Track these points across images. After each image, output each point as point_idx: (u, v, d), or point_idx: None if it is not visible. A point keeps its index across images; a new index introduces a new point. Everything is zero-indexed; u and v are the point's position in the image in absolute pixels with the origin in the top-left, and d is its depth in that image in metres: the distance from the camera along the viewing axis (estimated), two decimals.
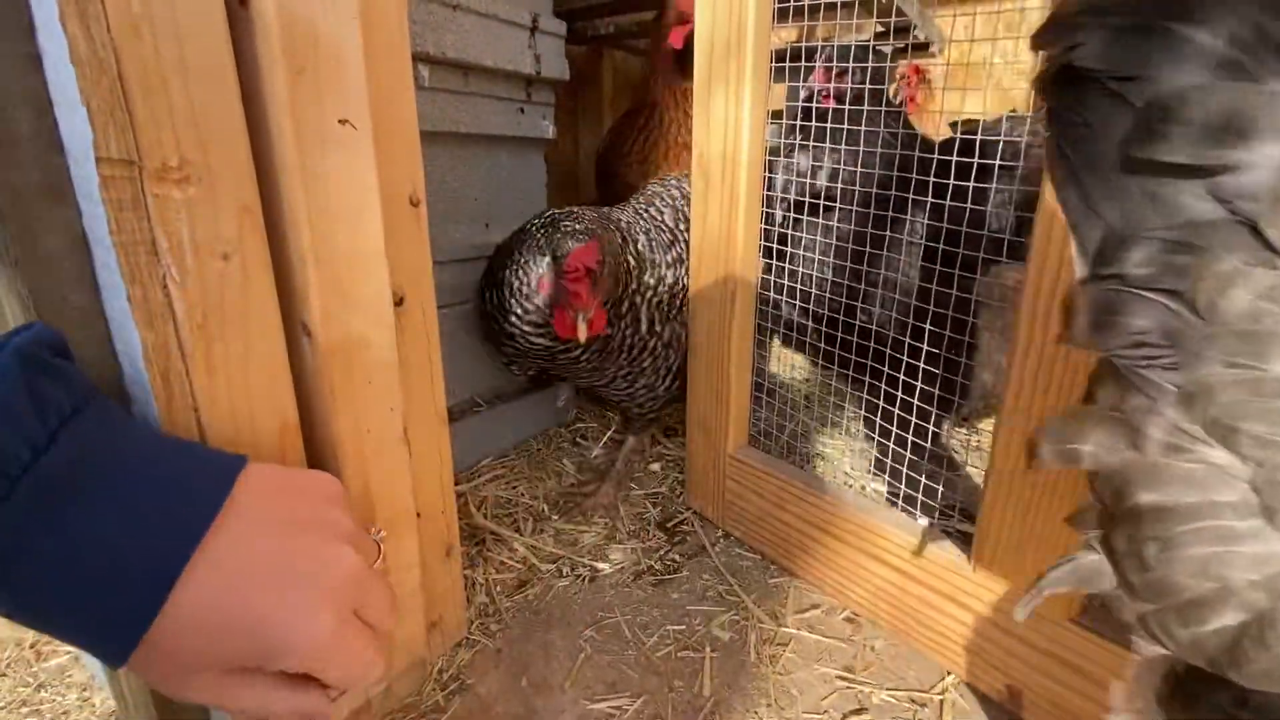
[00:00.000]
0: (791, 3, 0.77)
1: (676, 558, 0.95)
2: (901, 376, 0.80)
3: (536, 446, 1.26)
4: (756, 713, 0.70)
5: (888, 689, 0.72)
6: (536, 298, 0.89)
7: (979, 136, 0.75)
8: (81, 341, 0.39)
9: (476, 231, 1.21)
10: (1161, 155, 0.26)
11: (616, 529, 1.01)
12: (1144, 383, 0.29)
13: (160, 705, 0.49)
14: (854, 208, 0.95)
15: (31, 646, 0.77)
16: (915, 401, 0.79)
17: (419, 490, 0.64)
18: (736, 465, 0.95)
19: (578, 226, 0.88)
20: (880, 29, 1.42)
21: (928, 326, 0.75)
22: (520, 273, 0.90)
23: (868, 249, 0.94)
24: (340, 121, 0.48)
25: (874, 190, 0.92)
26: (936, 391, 0.76)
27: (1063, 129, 0.30)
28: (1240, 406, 0.27)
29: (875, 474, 1.07)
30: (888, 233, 0.93)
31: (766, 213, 0.89)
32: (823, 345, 0.94)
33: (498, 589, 0.88)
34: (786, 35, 1.05)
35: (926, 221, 0.90)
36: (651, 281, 1.01)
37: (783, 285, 0.93)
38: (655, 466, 1.19)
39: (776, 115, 1.01)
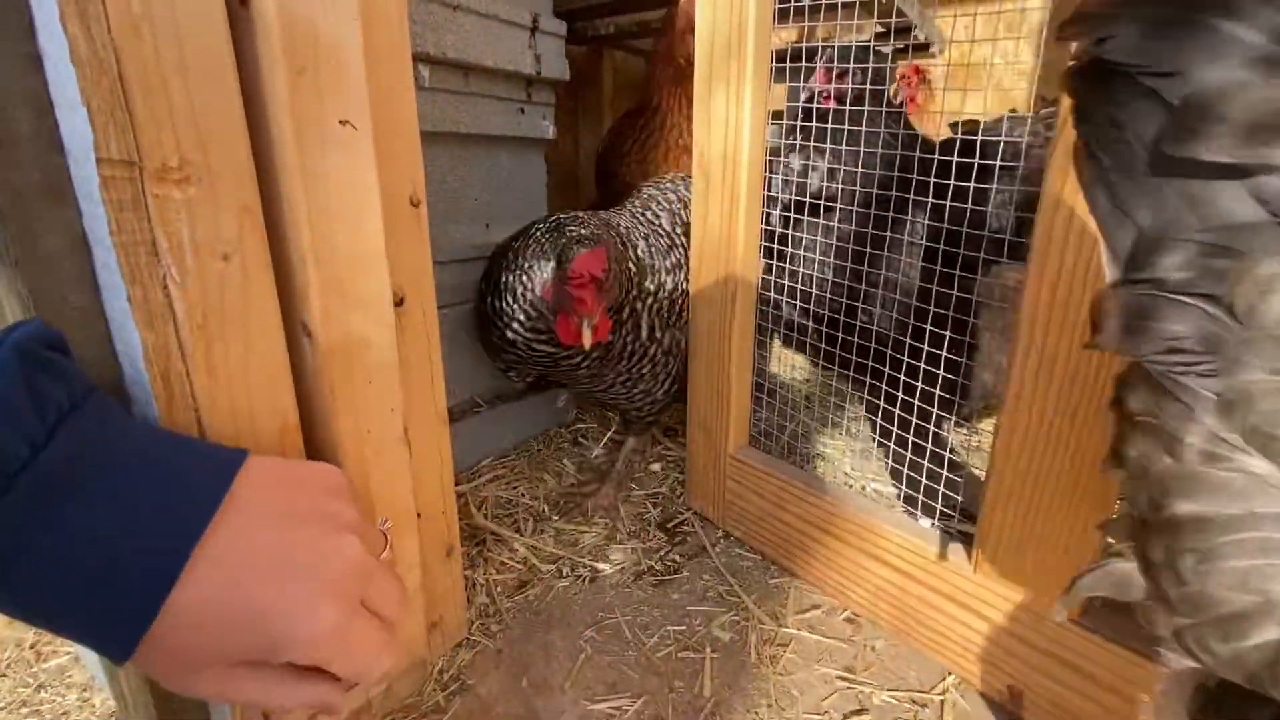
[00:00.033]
0: (792, 3, 0.77)
1: (677, 558, 0.95)
2: (902, 377, 0.80)
3: (537, 447, 1.26)
4: (757, 713, 0.70)
5: (888, 689, 0.72)
6: (540, 303, 0.87)
7: (979, 137, 0.75)
8: (81, 342, 0.39)
9: (477, 231, 1.21)
10: (1199, 154, 0.25)
11: (617, 529, 1.01)
12: (1180, 389, 0.28)
13: (160, 705, 0.49)
14: (854, 208, 0.95)
15: (31, 647, 0.77)
16: (916, 402, 0.79)
17: (419, 490, 0.64)
18: (737, 465, 0.95)
19: (583, 232, 0.86)
20: (880, 29, 1.43)
21: (928, 327, 0.76)
22: (524, 277, 0.88)
23: (868, 249, 0.94)
24: (341, 122, 0.48)
25: (874, 190, 0.92)
26: (937, 392, 0.76)
27: (1091, 127, 0.29)
28: None
29: (876, 474, 1.07)
30: (888, 233, 0.93)
31: (767, 213, 0.89)
32: (823, 345, 0.94)
33: (498, 589, 0.87)
34: (787, 35, 1.05)
35: (927, 222, 0.90)
36: (651, 288, 1.00)
37: (783, 285, 0.93)
38: (656, 467, 1.19)
39: (777, 115, 1.01)
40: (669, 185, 1.19)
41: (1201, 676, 0.36)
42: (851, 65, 0.95)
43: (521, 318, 0.89)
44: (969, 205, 0.70)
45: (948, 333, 0.74)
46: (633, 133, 1.46)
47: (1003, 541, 0.66)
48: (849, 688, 0.73)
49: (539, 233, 0.90)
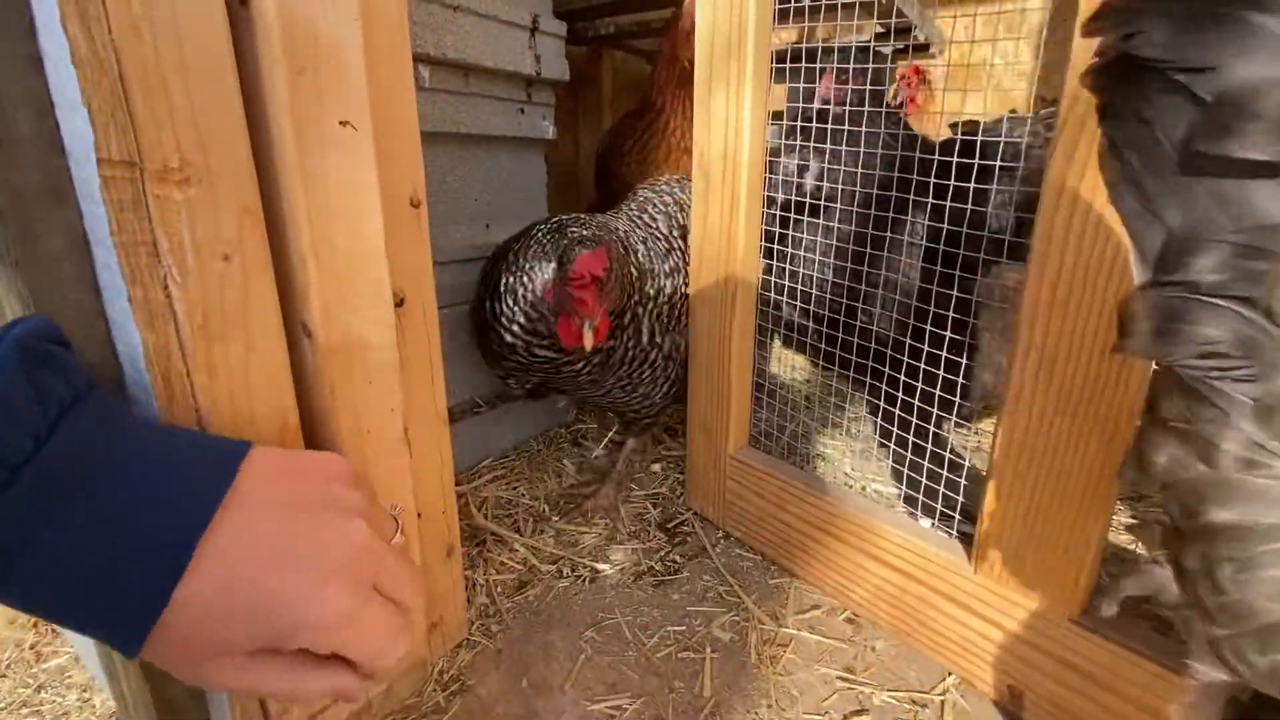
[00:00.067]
0: (792, 3, 0.77)
1: (677, 558, 0.95)
2: (902, 377, 0.80)
3: (537, 447, 1.26)
4: (757, 713, 0.70)
5: (888, 690, 0.72)
6: (541, 305, 0.86)
7: (979, 137, 0.75)
8: (82, 342, 0.39)
9: (477, 232, 1.21)
10: (1233, 152, 0.24)
11: (617, 530, 1.01)
12: (1215, 394, 0.27)
13: (160, 705, 0.49)
14: (854, 208, 0.95)
15: (31, 648, 0.77)
16: (916, 402, 0.79)
17: (419, 491, 0.64)
18: (737, 466, 0.95)
19: (585, 233, 0.85)
20: (880, 30, 1.43)
21: (928, 327, 0.76)
22: (524, 278, 0.87)
23: (868, 250, 0.94)
24: (341, 122, 0.48)
25: (874, 191, 0.92)
26: (937, 392, 0.76)
27: (1117, 125, 0.28)
28: None
29: (876, 475, 1.07)
30: (888, 233, 0.93)
31: (767, 213, 0.89)
32: (823, 346, 0.94)
33: (498, 590, 0.87)
34: (787, 36, 1.05)
35: (927, 222, 0.90)
36: (652, 292, 0.99)
37: (783, 286, 0.93)
38: (656, 467, 1.19)
39: (777, 116, 1.01)
40: (664, 188, 1.18)
41: (1235, 689, 0.35)
42: (854, 66, 0.95)
43: (522, 320, 0.87)
44: (969, 206, 0.70)
45: (948, 333, 0.74)
46: (634, 133, 1.46)
47: (1002, 541, 0.66)
48: (849, 688, 0.73)
49: (540, 234, 0.89)
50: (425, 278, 0.63)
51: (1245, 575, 0.28)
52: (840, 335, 0.88)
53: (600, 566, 0.93)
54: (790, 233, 0.96)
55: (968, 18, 0.80)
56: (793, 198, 0.97)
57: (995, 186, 0.72)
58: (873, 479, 1.06)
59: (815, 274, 0.94)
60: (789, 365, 1.26)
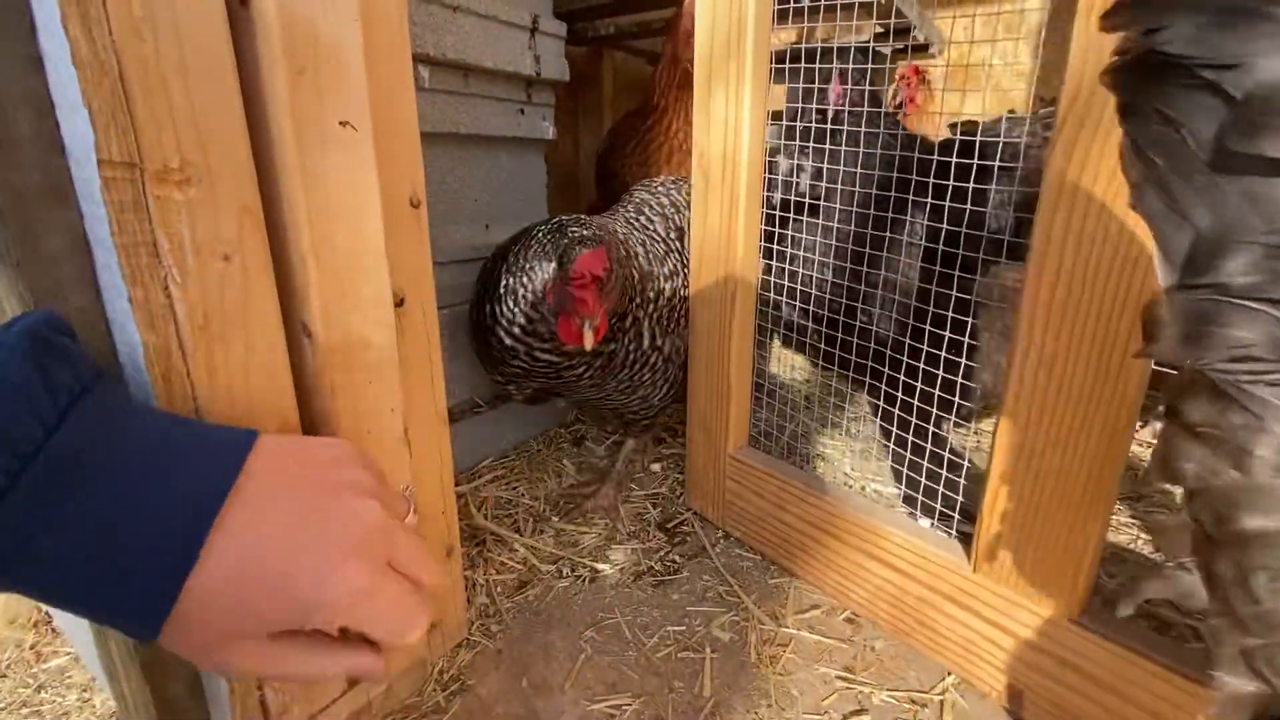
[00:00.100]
0: (791, 3, 0.77)
1: (677, 558, 0.95)
2: (901, 377, 0.80)
3: (537, 447, 1.26)
4: (757, 713, 0.70)
5: (888, 690, 0.72)
6: (541, 305, 0.85)
7: (978, 137, 0.75)
8: (83, 343, 0.39)
9: (476, 232, 1.21)
10: (1265, 151, 0.23)
11: (617, 530, 1.01)
12: (1248, 399, 0.27)
13: (160, 705, 0.49)
14: (854, 208, 0.95)
15: (32, 648, 0.77)
16: (915, 402, 0.79)
17: (419, 491, 0.64)
18: (737, 466, 0.95)
19: (585, 232, 0.85)
20: (880, 30, 1.43)
21: (928, 327, 0.76)
22: (525, 278, 0.86)
23: (867, 250, 0.94)
24: (341, 122, 0.48)
25: (873, 191, 0.92)
26: (937, 392, 0.76)
27: (1140, 125, 0.27)
28: None
29: (876, 475, 1.07)
30: (887, 234, 0.93)
31: (766, 213, 0.89)
32: (823, 346, 0.94)
33: (498, 590, 0.88)
34: (786, 36, 1.05)
35: (926, 222, 0.90)
36: (652, 295, 0.99)
37: (783, 286, 0.93)
38: (655, 467, 1.19)
39: (776, 116, 1.01)
40: (660, 189, 1.17)
41: (1264, 702, 0.34)
42: (853, 67, 0.95)
43: (523, 321, 0.86)
44: (968, 206, 0.70)
45: (947, 333, 0.74)
46: (635, 134, 1.46)
47: (1002, 541, 0.66)
48: (849, 688, 0.73)
49: (540, 234, 0.88)
50: (425, 278, 0.63)
51: None
52: (840, 335, 0.88)
53: (600, 566, 0.93)
54: (790, 233, 0.96)
55: (967, 18, 0.80)
56: (792, 197, 0.98)
57: (994, 186, 0.72)
58: (872, 479, 1.06)
59: (815, 274, 0.94)
60: (789, 365, 1.26)
